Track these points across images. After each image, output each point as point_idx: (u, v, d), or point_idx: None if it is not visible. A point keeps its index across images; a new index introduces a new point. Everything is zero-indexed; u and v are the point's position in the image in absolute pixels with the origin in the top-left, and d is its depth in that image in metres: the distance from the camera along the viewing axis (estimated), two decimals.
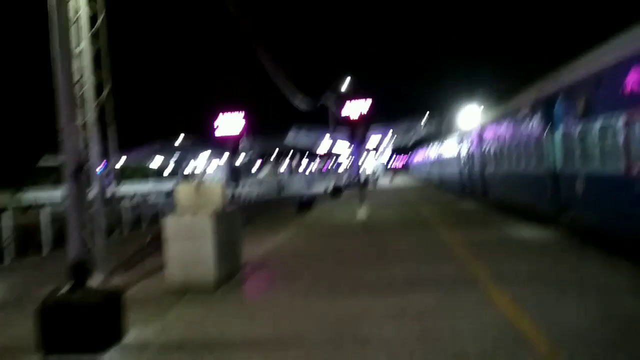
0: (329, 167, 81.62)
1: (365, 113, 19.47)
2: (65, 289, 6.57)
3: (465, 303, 7.44)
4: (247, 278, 10.35)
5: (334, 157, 59.61)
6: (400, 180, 65.68)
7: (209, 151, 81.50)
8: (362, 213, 19.28)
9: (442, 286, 8.50)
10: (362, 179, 26.03)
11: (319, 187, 55.91)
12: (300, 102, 29.14)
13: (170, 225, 9.65)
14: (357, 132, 19.40)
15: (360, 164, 27.34)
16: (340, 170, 69.10)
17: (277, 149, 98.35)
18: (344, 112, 19.89)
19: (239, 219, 11.47)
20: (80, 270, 6.87)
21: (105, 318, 6.54)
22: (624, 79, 9.13)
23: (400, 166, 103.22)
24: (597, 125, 10.30)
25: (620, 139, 9.35)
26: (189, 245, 9.49)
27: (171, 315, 7.98)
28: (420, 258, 11.07)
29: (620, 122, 9.39)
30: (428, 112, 75.76)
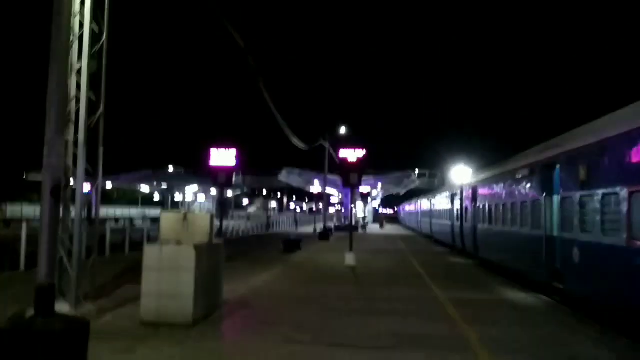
0: (318, 209, 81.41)
1: (361, 157, 19.17)
2: (28, 313, 6.10)
3: None
4: (226, 318, 9.86)
5: (325, 199, 59.23)
6: (390, 228, 65.28)
7: (196, 185, 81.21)
8: (350, 259, 18.82)
9: (431, 346, 8.09)
10: (353, 223, 25.60)
11: (308, 227, 55.42)
12: (298, 141, 29.08)
13: (151, 253, 9.20)
14: (351, 175, 19.07)
15: (351, 207, 27.01)
16: (330, 212, 68.83)
17: (267, 187, 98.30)
18: (341, 154, 19.60)
19: (223, 253, 11.03)
20: (47, 295, 6.40)
21: (66, 350, 6.03)
22: (633, 149, 8.95)
23: (392, 213, 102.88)
24: (601, 193, 10.06)
25: (625, 209, 9.10)
26: (168, 276, 9.03)
27: (141, 351, 7.48)
28: (409, 313, 10.61)
29: (625, 191, 9.16)
30: (417, 170, 76.77)
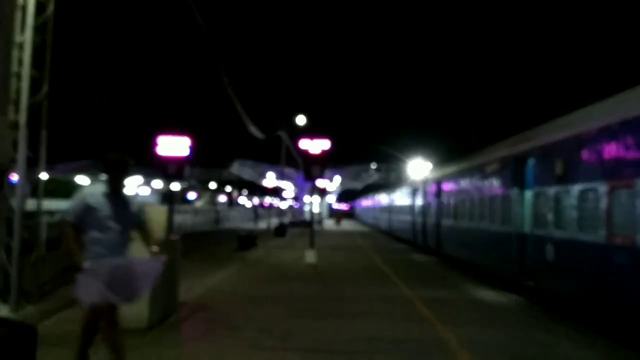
0: (270, 204, 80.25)
1: (325, 150, 18.43)
2: None
3: None
4: (185, 321, 9.01)
5: (279, 193, 58.33)
6: (346, 224, 64.92)
7: (141, 176, 78.10)
8: (311, 256, 18.13)
9: (410, 350, 7.58)
10: (309, 218, 24.98)
11: (261, 223, 54.39)
12: (255, 130, 28.24)
13: None
14: (313, 168, 18.33)
15: (308, 202, 26.33)
16: (284, 206, 67.55)
17: (216, 179, 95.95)
18: (302, 146, 18.79)
19: (180, 251, 10.17)
20: None
21: (14, 358, 5.14)
22: (619, 143, 8.61)
23: (347, 209, 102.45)
24: (579, 188, 9.71)
25: (605, 205, 8.76)
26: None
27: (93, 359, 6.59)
28: (381, 314, 10.03)
29: (604, 187, 8.82)
30: (375, 164, 76.40)
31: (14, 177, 8.39)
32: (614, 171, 8.69)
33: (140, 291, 5.71)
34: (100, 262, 5.38)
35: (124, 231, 5.66)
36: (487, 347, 7.91)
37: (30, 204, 9.47)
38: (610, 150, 8.82)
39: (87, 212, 5.49)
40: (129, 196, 5.78)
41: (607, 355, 7.71)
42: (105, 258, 5.41)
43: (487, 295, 12.64)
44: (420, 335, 8.46)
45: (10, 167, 8.25)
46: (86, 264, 5.41)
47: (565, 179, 10.26)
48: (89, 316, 5.62)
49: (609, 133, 8.91)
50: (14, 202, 8.44)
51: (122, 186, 5.75)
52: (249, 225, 52.34)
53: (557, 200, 10.59)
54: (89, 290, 5.35)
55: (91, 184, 5.62)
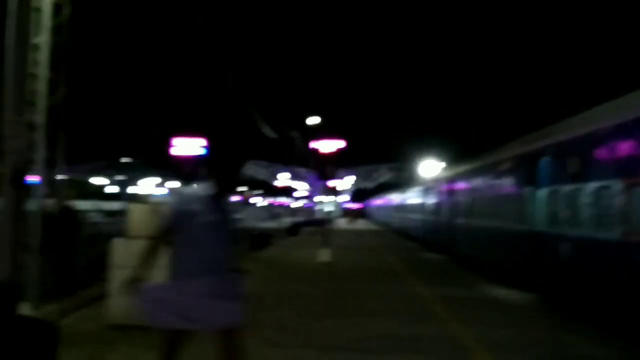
0: (284, 202, 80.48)
1: (339, 149, 18.52)
2: None
3: None
4: None
5: (293, 193, 58.53)
6: (359, 223, 65.00)
7: (159, 177, 78.62)
8: (325, 254, 18.19)
9: (428, 349, 7.57)
10: (322, 217, 25.00)
11: (275, 222, 54.57)
12: (269, 130, 28.39)
13: (119, 249, 8.36)
14: (324, 167, 18.42)
15: (320, 201, 26.33)
16: (298, 205, 67.70)
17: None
18: (314, 145, 18.88)
19: None
20: (10, 294, 5.59)
21: (35, 356, 5.23)
22: (634, 139, 8.55)
23: (360, 207, 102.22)
24: (595, 186, 9.64)
25: (622, 202, 8.69)
26: None
27: (112, 358, 6.72)
28: (397, 312, 10.07)
29: (620, 185, 8.76)
30: (387, 163, 76.36)
31: (34, 178, 8.50)
32: (631, 168, 8.63)
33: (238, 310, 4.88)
34: (192, 280, 4.59)
35: (225, 245, 4.78)
36: (503, 345, 7.89)
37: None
38: (629, 147, 8.75)
39: (182, 218, 4.61)
40: (234, 207, 5.05)
41: (624, 354, 7.66)
42: (199, 276, 4.58)
43: (502, 293, 12.62)
44: (436, 333, 8.46)
45: (27, 167, 8.36)
46: (142, 288, 4.68)
47: (581, 177, 10.19)
48: (165, 343, 4.91)
49: (627, 129, 8.84)
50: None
51: (229, 194, 5.00)
52: (264, 224, 52.41)
53: (572, 198, 10.52)
54: (160, 310, 4.65)
55: (191, 184, 4.93)
